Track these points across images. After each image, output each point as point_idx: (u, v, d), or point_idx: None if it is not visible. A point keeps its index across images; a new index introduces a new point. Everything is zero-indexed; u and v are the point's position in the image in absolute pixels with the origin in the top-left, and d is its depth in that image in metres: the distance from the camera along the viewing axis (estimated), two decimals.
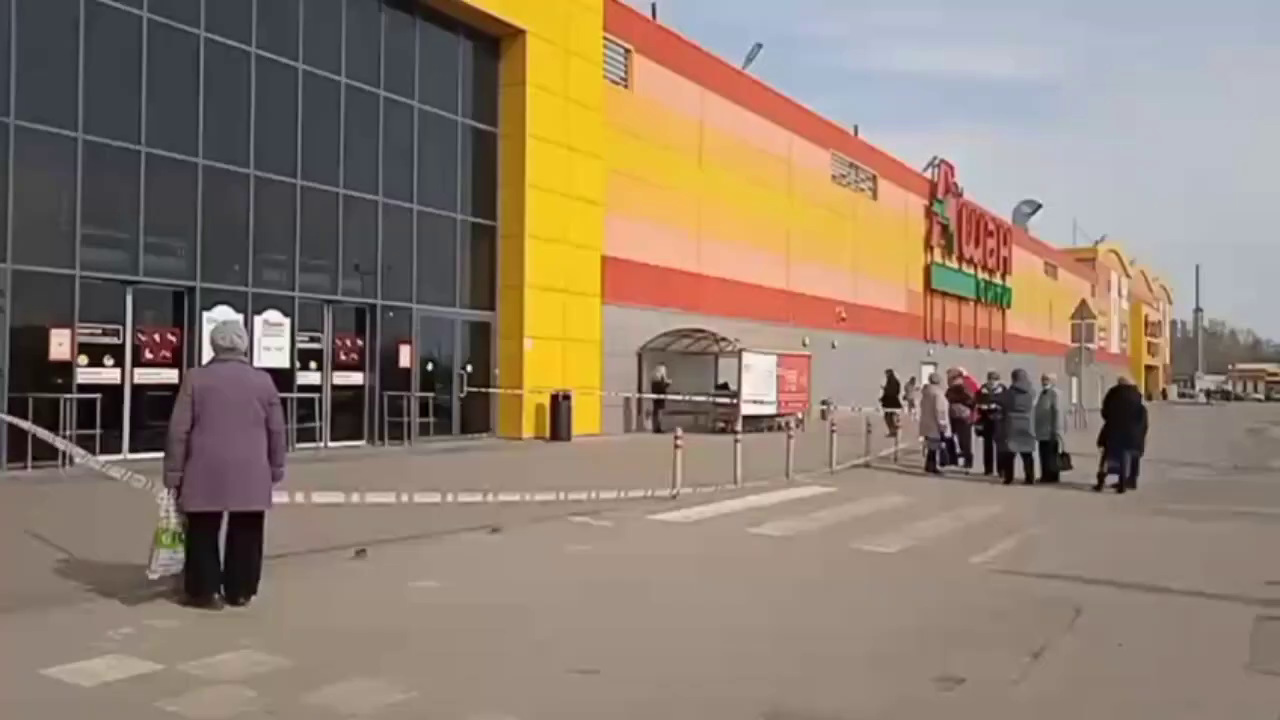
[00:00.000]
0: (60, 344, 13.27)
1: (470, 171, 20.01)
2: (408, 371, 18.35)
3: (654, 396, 23.23)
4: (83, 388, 13.41)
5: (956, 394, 16.64)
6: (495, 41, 20.28)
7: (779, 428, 23.29)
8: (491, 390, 20.01)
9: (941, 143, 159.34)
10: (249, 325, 15.52)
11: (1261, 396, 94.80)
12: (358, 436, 17.47)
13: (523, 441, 19.40)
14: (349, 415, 17.40)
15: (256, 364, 15.52)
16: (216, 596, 5.98)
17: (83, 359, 13.59)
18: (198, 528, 5.93)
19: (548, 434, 19.81)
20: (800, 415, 25.01)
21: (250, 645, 5.20)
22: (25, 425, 10.54)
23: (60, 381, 13.19)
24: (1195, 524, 11.00)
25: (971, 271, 44.22)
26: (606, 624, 6.05)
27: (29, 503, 10.12)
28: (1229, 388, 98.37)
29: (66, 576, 6.73)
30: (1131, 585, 7.40)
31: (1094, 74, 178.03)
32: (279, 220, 16.30)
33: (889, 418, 22.85)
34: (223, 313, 15.21)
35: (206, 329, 14.95)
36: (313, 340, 16.89)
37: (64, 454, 12.33)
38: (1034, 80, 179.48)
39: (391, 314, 18.26)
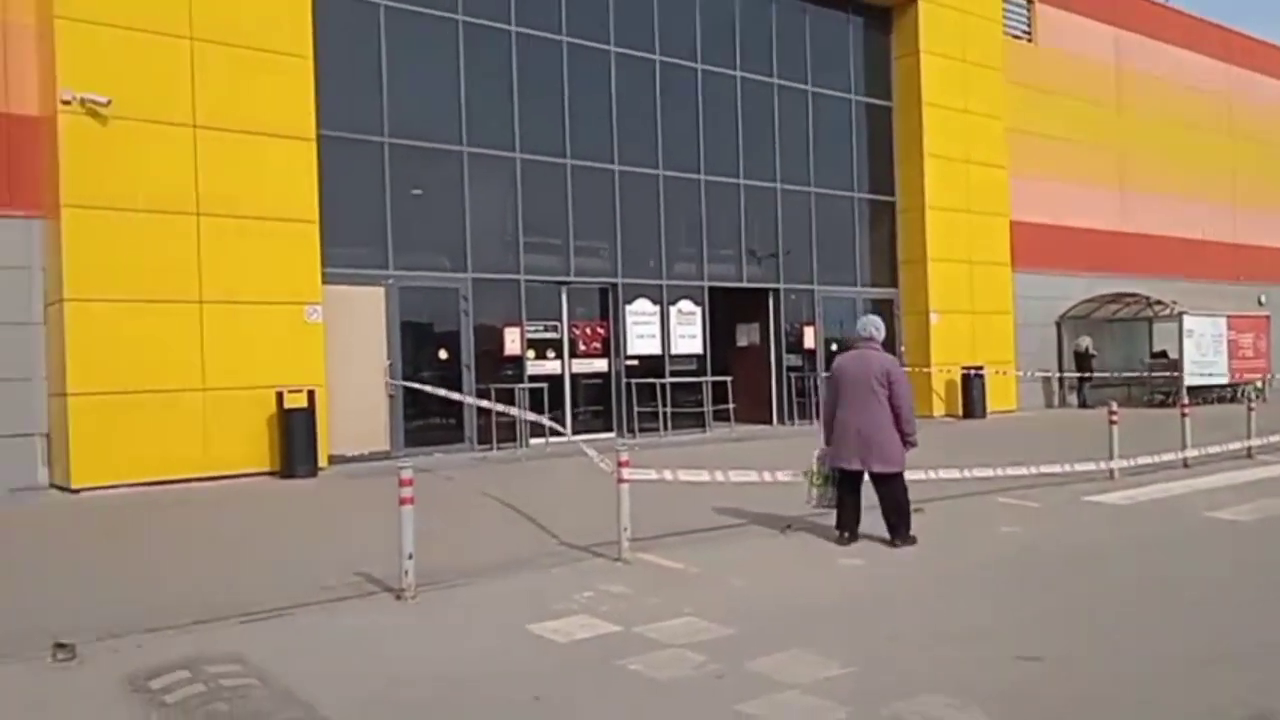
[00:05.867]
0: (512, 340, 15.13)
1: (865, 149, 19.75)
2: (812, 353, 18.62)
3: (1077, 374, 21.51)
4: (532, 378, 15.15)
5: None
6: (886, 13, 19.84)
7: (1233, 399, 20.54)
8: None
9: None
10: (665, 315, 16.64)
11: None
12: (765, 420, 18.14)
13: (934, 420, 18.86)
14: (753, 398, 18.10)
15: (672, 351, 16.70)
16: (845, 535, 7.42)
17: (530, 353, 15.36)
18: (841, 479, 7.44)
19: (960, 412, 19.08)
20: (1260, 384, 21.88)
21: (692, 613, 5.59)
22: (531, 416, 13.36)
23: (513, 373, 15.00)
24: None
25: None
26: (1047, 609, 5.71)
27: (501, 479, 11.59)
28: None
29: (534, 544, 7.68)
30: None
31: None
32: (685, 215, 17.24)
33: None
34: (641, 305, 16.44)
35: (629, 321, 16.32)
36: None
37: (521, 435, 14.23)
38: None
39: (794, 296, 18.61)
